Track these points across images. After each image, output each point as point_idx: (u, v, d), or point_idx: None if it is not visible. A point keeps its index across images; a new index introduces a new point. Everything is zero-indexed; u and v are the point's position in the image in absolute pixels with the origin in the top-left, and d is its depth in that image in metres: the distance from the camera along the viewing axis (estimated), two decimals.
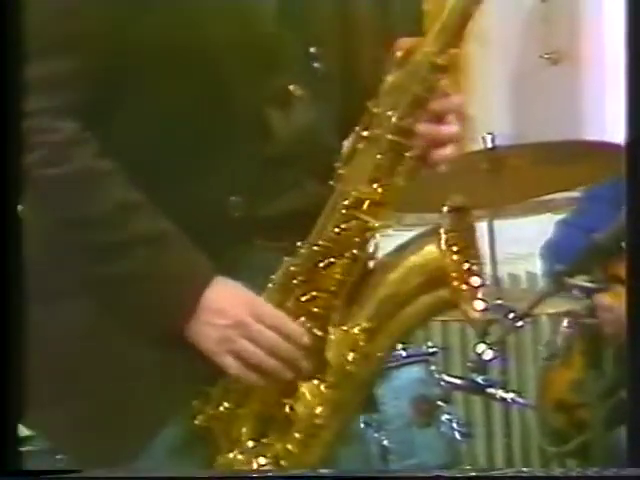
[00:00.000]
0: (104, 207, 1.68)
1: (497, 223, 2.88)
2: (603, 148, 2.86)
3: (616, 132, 2.96)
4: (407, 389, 2.73)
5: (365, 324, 1.70)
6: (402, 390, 2.71)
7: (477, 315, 1.70)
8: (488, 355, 2.59)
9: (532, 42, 3.56)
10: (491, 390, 2.78)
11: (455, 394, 2.85)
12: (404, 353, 2.73)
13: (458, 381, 2.81)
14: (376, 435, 2.63)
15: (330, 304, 1.71)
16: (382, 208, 1.69)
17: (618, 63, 3.33)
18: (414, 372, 2.76)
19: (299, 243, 1.68)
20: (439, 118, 1.69)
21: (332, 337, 1.70)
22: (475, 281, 1.68)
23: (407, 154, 1.66)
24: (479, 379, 2.75)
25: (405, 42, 1.69)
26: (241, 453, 1.70)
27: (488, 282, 1.78)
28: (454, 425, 2.76)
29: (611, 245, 2.59)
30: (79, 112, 1.67)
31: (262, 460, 1.71)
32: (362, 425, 2.60)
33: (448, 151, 1.70)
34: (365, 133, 1.67)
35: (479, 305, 1.67)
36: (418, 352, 2.77)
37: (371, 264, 1.71)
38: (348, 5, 1.82)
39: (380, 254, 1.72)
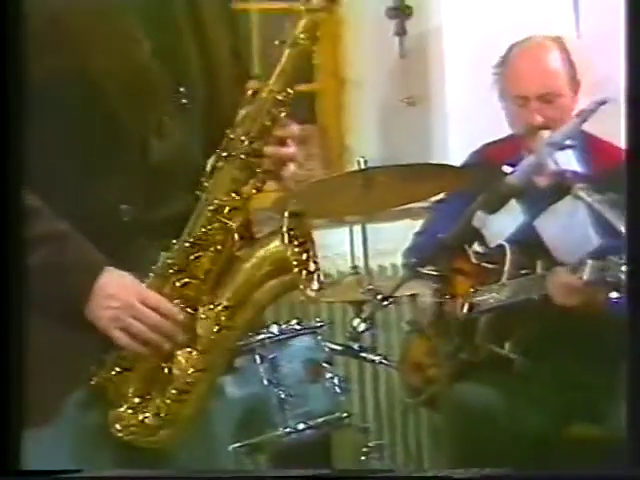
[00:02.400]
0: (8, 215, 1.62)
1: (369, 227, 2.92)
2: (447, 169, 2.93)
3: (457, 158, 3.13)
4: (300, 354, 2.76)
5: (226, 303, 1.69)
6: (296, 355, 2.75)
7: (313, 293, 1.72)
8: (362, 327, 2.66)
9: (394, 88, 3.62)
10: (364, 354, 2.83)
11: (337, 358, 2.86)
12: (297, 326, 2.76)
13: (339, 348, 2.85)
14: (275, 390, 2.67)
15: (199, 289, 1.70)
16: (238, 212, 1.69)
17: (458, 107, 3.46)
18: (305, 341, 2.78)
19: (174, 241, 1.68)
20: (282, 142, 1.70)
21: (201, 314, 1.69)
22: (311, 266, 1.70)
23: (257, 170, 1.68)
24: (355, 346, 2.80)
25: (254, 83, 1.71)
26: (129, 408, 1.69)
27: (320, 268, 1.81)
28: (335, 382, 2.76)
29: (453, 244, 2.58)
30: None
31: (145, 415, 1.70)
32: (265, 382, 2.67)
33: (291, 168, 1.72)
34: (224, 154, 1.68)
35: (315, 285, 1.70)
36: (308, 325, 2.79)
37: (231, 256, 1.70)
38: (211, 54, 1.79)
39: (240, 249, 1.72)
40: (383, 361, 2.85)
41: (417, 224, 3.04)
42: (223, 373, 1.80)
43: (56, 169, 1.66)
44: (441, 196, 2.88)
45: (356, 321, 2.70)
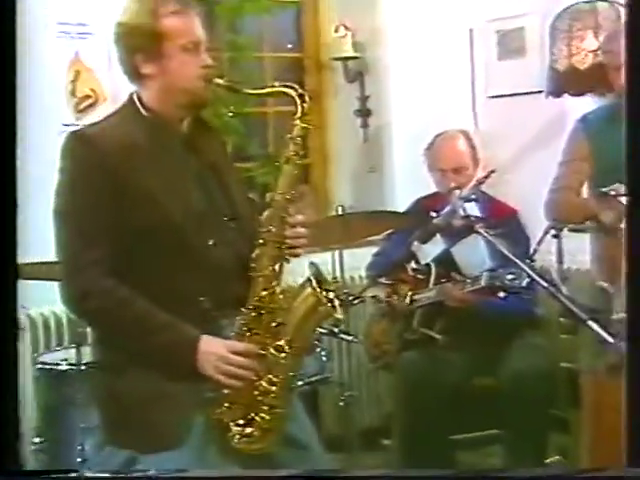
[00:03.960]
0: (141, 313, 1.64)
1: (345, 251, 2.86)
2: (395, 214, 2.96)
3: (401, 207, 3.01)
4: None
5: (286, 339, 1.68)
6: None
7: (339, 316, 1.76)
8: (340, 316, 2.76)
9: (361, 161, 3.65)
10: (341, 335, 2.75)
11: (323, 337, 2.77)
12: None
13: (325, 331, 2.70)
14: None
15: (265, 335, 1.68)
16: (278, 279, 1.68)
17: (402, 173, 3.48)
18: None
19: (243, 308, 1.68)
20: (294, 226, 1.70)
21: (271, 351, 1.68)
22: (335, 301, 1.69)
23: (282, 246, 1.69)
24: (335, 330, 2.72)
25: (270, 194, 1.72)
26: (239, 427, 1.68)
27: (342, 299, 1.81)
28: (323, 353, 2.77)
29: (399, 263, 2.71)
30: (111, 267, 1.63)
31: (251, 429, 1.69)
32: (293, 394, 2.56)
33: (302, 241, 1.72)
34: (260, 241, 1.69)
35: (339, 312, 1.71)
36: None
37: (280, 309, 1.70)
38: (234, 196, 1.76)
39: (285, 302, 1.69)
40: (354, 339, 2.81)
41: (375, 249, 3.03)
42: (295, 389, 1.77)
43: (161, 283, 1.66)
44: (391, 231, 2.90)
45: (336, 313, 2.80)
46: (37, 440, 2.50)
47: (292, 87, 1.69)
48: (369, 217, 2.88)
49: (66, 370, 2.50)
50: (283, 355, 1.69)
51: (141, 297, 1.65)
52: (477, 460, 2.90)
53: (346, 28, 3.50)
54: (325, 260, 3.06)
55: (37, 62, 2.63)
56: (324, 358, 2.79)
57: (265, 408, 1.69)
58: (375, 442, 2.98)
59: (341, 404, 2.84)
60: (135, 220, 1.65)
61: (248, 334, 1.69)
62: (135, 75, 1.70)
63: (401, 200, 3.22)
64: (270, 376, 1.69)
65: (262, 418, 1.69)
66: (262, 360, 1.68)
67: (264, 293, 1.69)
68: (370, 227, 2.82)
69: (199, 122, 1.77)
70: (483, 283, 2.52)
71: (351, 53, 3.50)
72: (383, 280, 2.74)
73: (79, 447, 2.45)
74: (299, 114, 1.67)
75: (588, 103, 2.93)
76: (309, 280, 1.69)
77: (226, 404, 1.69)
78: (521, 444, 2.62)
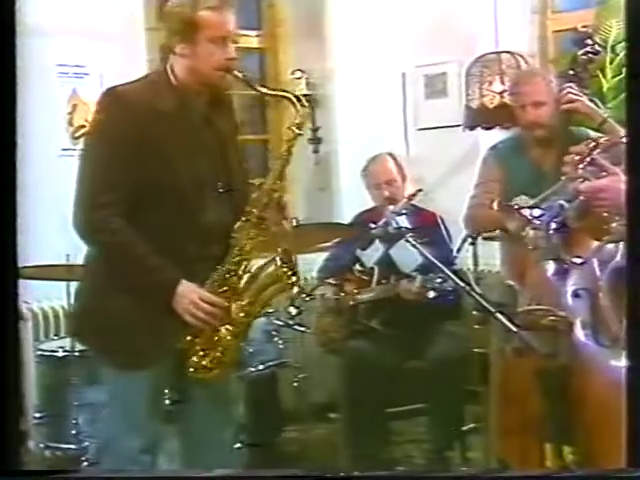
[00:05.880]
0: (139, 254, 1.65)
1: (300, 256, 2.78)
2: (341, 226, 2.95)
3: (347, 219, 3.03)
4: (261, 327, 2.75)
5: (247, 300, 1.73)
6: (259, 327, 2.72)
7: (294, 293, 1.81)
8: (294, 312, 2.61)
9: (312, 182, 3.65)
10: (296, 327, 2.80)
11: (281, 329, 2.81)
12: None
13: (282, 323, 2.79)
14: (247, 347, 2.61)
15: (232, 293, 1.71)
16: (254, 251, 1.72)
17: (346, 191, 3.48)
18: (264, 320, 2.75)
19: (218, 267, 1.72)
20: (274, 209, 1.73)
21: (233, 306, 1.72)
22: (293, 279, 1.73)
23: (262, 226, 1.72)
24: (291, 322, 2.78)
25: (259, 180, 1.74)
26: (197, 357, 1.71)
27: (301, 280, 1.73)
28: (280, 341, 2.79)
29: (346, 266, 2.76)
30: (121, 210, 1.65)
31: (205, 362, 1.71)
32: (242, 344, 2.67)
33: (284, 225, 1.77)
34: (244, 218, 1.71)
35: (295, 289, 1.75)
36: (265, 311, 2.57)
37: (249, 275, 1.74)
38: (231, 165, 1.76)
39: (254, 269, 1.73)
40: (307, 330, 2.84)
41: (325, 255, 3.03)
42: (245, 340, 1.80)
43: (160, 231, 1.67)
44: (338, 240, 2.90)
45: (291, 308, 2.64)
46: (38, 415, 2.52)
47: (298, 98, 1.71)
48: (320, 228, 2.90)
49: (62, 356, 2.52)
50: (242, 314, 1.72)
51: (141, 240, 1.65)
52: (408, 428, 2.93)
53: (301, 71, 3.62)
54: None
55: (40, 96, 2.65)
56: (281, 346, 2.83)
57: (220, 349, 1.72)
58: (324, 415, 3.00)
59: (296, 384, 2.86)
60: (148, 174, 1.64)
61: (219, 289, 1.71)
62: (171, 51, 1.71)
63: (346, 214, 3.24)
64: (228, 326, 1.72)
65: (215, 355, 1.72)
66: (225, 312, 1.71)
67: (237, 259, 1.71)
68: (321, 236, 2.83)
69: (218, 101, 1.76)
70: (417, 284, 2.56)
71: (305, 91, 3.57)
72: (332, 281, 2.75)
73: (73, 421, 2.48)
74: (296, 122, 1.69)
75: (497, 135, 3.03)
76: (275, 259, 1.72)
77: (189, 337, 1.71)
78: (444, 414, 2.68)
